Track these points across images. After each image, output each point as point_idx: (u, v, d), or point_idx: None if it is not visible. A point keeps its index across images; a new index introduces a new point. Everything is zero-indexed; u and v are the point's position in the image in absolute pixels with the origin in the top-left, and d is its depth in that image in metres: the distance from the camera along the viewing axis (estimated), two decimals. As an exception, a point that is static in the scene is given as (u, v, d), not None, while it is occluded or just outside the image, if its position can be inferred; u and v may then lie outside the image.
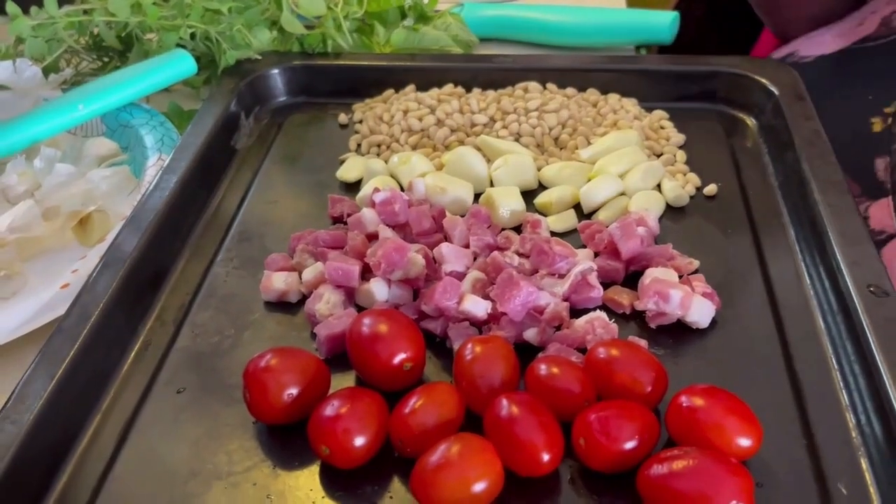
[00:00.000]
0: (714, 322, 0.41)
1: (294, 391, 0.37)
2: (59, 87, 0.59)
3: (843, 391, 0.37)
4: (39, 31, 0.60)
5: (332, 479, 0.36)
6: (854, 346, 0.38)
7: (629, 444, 0.34)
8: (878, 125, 0.53)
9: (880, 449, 0.34)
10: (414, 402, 0.36)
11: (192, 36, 0.60)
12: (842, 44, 0.60)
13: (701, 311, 0.41)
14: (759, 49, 0.97)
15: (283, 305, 0.44)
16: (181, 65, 0.58)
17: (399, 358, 0.38)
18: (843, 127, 0.55)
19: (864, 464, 0.35)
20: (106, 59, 0.65)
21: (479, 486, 0.33)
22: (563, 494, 0.34)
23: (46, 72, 0.59)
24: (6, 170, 0.54)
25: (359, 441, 0.35)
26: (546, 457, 0.34)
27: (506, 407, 0.35)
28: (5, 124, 0.53)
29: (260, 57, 0.61)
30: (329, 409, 0.35)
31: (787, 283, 0.43)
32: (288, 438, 0.37)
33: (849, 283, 0.39)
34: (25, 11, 0.61)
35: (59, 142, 0.56)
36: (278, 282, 0.44)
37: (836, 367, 0.39)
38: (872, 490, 0.34)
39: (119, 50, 0.64)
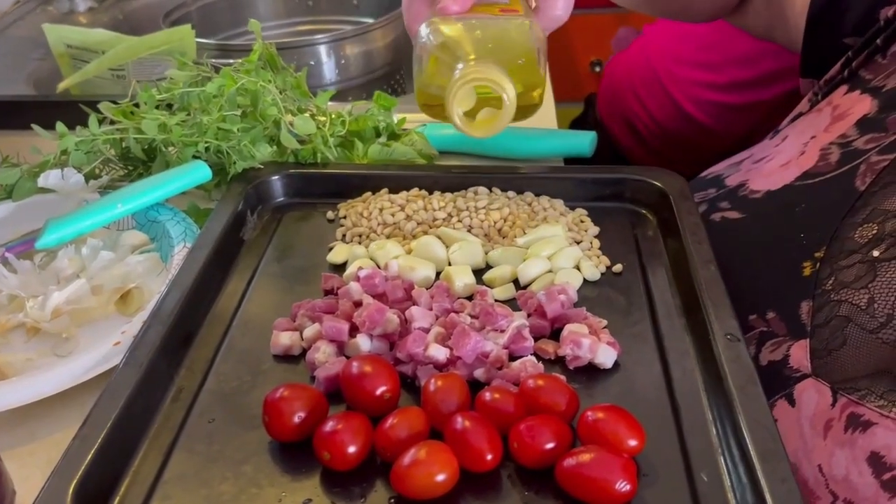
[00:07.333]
0: (616, 364, 0.53)
1: (302, 414, 0.47)
2: (96, 190, 0.72)
3: (708, 410, 0.50)
4: (81, 146, 0.73)
5: (331, 480, 0.46)
6: (715, 378, 0.50)
7: (549, 446, 0.45)
8: (808, 269, 0.54)
9: (731, 450, 0.47)
10: (392, 420, 0.46)
11: (207, 149, 0.73)
12: (787, 178, 0.61)
13: (605, 355, 0.53)
14: None
15: (288, 358, 0.55)
16: (199, 172, 0.70)
17: (380, 390, 0.48)
18: (777, 269, 0.57)
19: (720, 460, 0.47)
20: (131, 168, 0.79)
21: (440, 478, 0.43)
22: (503, 484, 0.45)
23: (88, 178, 0.72)
24: (58, 256, 0.65)
25: (351, 449, 0.45)
26: (489, 456, 0.45)
27: (460, 421, 0.46)
28: (58, 220, 0.65)
29: (262, 166, 0.73)
30: (329, 426, 0.46)
31: (672, 335, 0.56)
32: (296, 453, 0.48)
33: (713, 332, 0.52)
34: (70, 129, 0.74)
35: (98, 234, 0.69)
36: (284, 339, 0.55)
37: (703, 392, 0.51)
38: (725, 477, 0.46)
39: (143, 160, 0.77)
